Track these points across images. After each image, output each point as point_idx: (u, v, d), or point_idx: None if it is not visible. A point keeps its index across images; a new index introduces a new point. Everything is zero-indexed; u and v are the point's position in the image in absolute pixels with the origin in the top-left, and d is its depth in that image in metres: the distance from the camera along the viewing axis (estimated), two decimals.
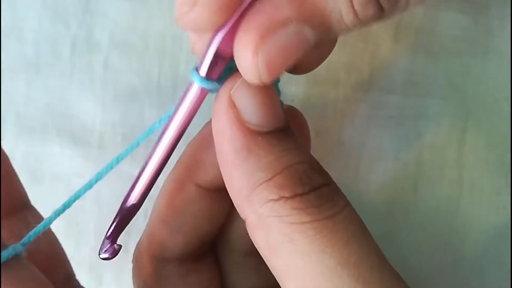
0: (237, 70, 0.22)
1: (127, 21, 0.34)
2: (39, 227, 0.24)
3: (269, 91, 0.22)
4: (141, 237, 0.28)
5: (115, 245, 0.24)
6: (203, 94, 0.22)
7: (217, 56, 0.21)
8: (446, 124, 0.32)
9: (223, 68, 0.22)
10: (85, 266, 0.34)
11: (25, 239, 0.23)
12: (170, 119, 0.23)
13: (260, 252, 0.22)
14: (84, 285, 0.29)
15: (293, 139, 0.23)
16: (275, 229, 0.21)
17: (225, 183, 0.23)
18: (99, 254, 0.24)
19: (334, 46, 0.25)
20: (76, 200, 0.25)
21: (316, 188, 0.21)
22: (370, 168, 0.33)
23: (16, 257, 0.22)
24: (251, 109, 0.22)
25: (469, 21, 0.31)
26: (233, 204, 0.23)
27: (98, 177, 0.25)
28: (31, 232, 0.24)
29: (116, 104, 0.34)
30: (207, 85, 0.22)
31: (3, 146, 0.31)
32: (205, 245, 0.29)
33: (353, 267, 0.20)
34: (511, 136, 0.32)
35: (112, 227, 0.24)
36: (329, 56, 0.32)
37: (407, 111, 0.32)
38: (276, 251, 0.21)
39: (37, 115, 0.34)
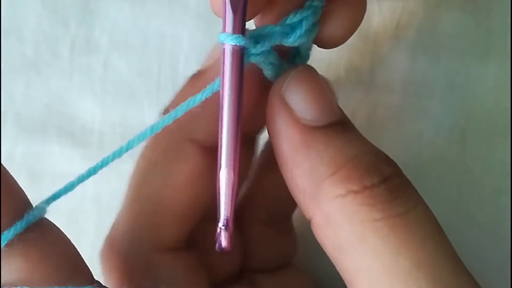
0: (280, 67, 0.22)
1: (127, 21, 0.34)
2: (61, 190, 0.23)
3: (321, 85, 0.22)
4: (119, 224, 0.26)
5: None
6: (239, 53, 0.21)
7: (236, 5, 0.20)
8: (446, 124, 0.32)
9: (245, 19, 0.21)
10: None
11: (48, 199, 0.22)
12: (221, 98, 0.21)
13: (327, 253, 0.21)
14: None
15: (353, 130, 0.22)
16: (344, 228, 0.20)
17: (287, 185, 0.22)
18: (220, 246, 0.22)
19: (363, 12, 0.23)
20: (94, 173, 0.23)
21: (386, 179, 0.20)
22: None
23: (44, 219, 0.21)
24: (304, 106, 0.21)
25: (469, 21, 0.31)
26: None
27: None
28: (54, 193, 0.23)
29: (115, 104, 0.34)
30: (239, 41, 0.20)
31: (2, 146, 0.31)
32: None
33: (428, 270, 0.19)
34: (511, 136, 0.32)
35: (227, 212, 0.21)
36: (329, 56, 0.32)
37: (407, 111, 0.32)
38: (345, 251, 0.20)
39: (37, 115, 0.34)
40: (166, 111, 0.23)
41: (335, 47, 0.24)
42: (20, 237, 0.20)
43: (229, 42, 0.20)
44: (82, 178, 0.24)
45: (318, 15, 0.22)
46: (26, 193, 0.27)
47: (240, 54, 0.21)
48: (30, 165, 0.34)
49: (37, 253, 0.20)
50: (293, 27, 0.22)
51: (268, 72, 0.23)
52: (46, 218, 0.22)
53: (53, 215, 0.36)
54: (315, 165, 0.20)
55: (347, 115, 0.32)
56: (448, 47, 0.32)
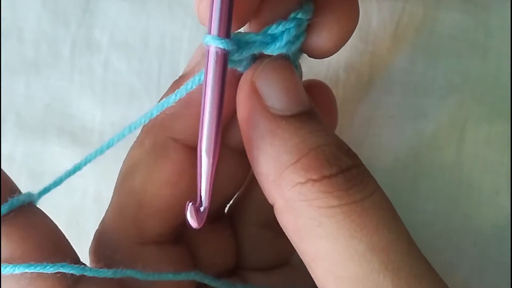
0: (258, 57, 0.23)
1: (127, 21, 0.34)
2: (57, 180, 0.25)
3: (291, 75, 0.22)
4: (106, 220, 0.27)
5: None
6: (223, 57, 0.21)
7: (223, 10, 0.21)
8: (445, 124, 0.32)
9: (230, 23, 0.21)
10: None
11: (42, 190, 0.24)
12: (204, 97, 0.21)
13: (288, 237, 0.22)
14: None
15: (318, 121, 0.22)
16: (303, 213, 0.21)
17: (253, 170, 0.22)
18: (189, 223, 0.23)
19: (354, 25, 0.24)
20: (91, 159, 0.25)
21: (344, 170, 0.21)
22: (370, 168, 0.33)
23: (29, 204, 0.23)
24: (274, 95, 0.22)
25: (469, 21, 0.31)
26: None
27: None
28: (50, 184, 0.24)
29: (115, 104, 0.34)
30: (224, 44, 0.21)
31: (3, 146, 0.31)
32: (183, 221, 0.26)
33: (382, 253, 0.20)
34: (510, 136, 0.32)
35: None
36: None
37: (406, 111, 0.32)
38: (304, 235, 0.21)
39: (37, 115, 0.34)
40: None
41: (325, 57, 0.24)
42: (3, 219, 0.22)
43: (214, 45, 0.21)
44: (68, 174, 0.25)
45: (302, 27, 0.23)
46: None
47: (224, 57, 0.21)
48: (30, 165, 0.34)
49: (19, 234, 0.22)
50: (274, 38, 0.23)
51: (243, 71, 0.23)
52: (33, 205, 0.23)
53: (54, 215, 0.36)
54: (279, 152, 0.21)
55: (347, 115, 0.32)
56: (447, 48, 0.32)
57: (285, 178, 0.21)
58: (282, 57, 0.23)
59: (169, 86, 0.26)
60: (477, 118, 0.32)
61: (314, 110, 0.23)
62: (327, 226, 0.20)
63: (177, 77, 0.28)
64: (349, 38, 0.24)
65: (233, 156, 0.26)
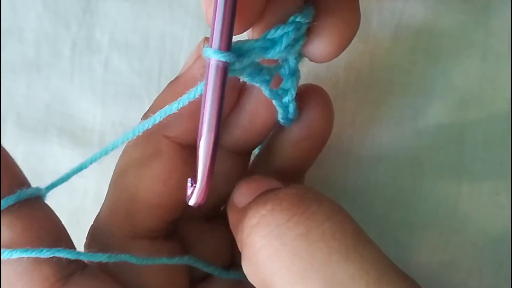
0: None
1: (128, 21, 0.34)
2: (65, 176, 0.26)
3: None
4: (100, 215, 0.27)
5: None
6: (223, 69, 0.21)
7: (225, 22, 0.21)
8: (445, 124, 0.32)
9: (232, 36, 0.21)
10: None
11: (50, 185, 0.25)
12: (203, 108, 0.22)
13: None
14: None
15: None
16: (259, 265, 0.21)
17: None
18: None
19: (355, 29, 0.24)
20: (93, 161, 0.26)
21: (281, 200, 0.21)
22: (370, 168, 0.33)
23: (37, 198, 0.24)
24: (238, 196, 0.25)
25: (468, 22, 0.31)
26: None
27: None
28: (58, 179, 0.25)
29: (116, 104, 0.34)
30: (225, 57, 0.21)
31: (3, 146, 0.31)
32: (176, 218, 0.27)
33: None
34: (510, 136, 0.32)
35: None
36: None
37: (406, 111, 0.32)
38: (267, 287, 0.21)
39: (38, 115, 0.34)
40: (145, 116, 0.26)
41: (326, 61, 0.24)
42: (8, 210, 0.23)
43: (215, 58, 0.21)
44: (74, 171, 0.26)
45: (302, 30, 0.23)
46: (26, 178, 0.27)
47: (225, 70, 0.21)
48: (31, 165, 0.34)
49: (21, 224, 0.23)
50: (273, 42, 0.23)
51: (246, 79, 0.24)
52: (40, 199, 0.24)
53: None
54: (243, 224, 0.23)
55: (347, 115, 0.32)
56: (447, 48, 0.32)
57: (243, 235, 0.22)
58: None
59: None
60: (477, 118, 0.32)
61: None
62: (280, 274, 0.20)
63: None
64: (350, 42, 0.24)
65: (229, 157, 0.27)
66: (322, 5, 0.23)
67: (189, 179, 0.23)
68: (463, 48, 0.32)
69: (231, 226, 0.25)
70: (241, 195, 0.24)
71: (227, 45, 0.21)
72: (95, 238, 0.27)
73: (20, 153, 0.34)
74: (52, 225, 0.24)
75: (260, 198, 0.22)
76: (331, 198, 0.22)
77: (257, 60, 0.23)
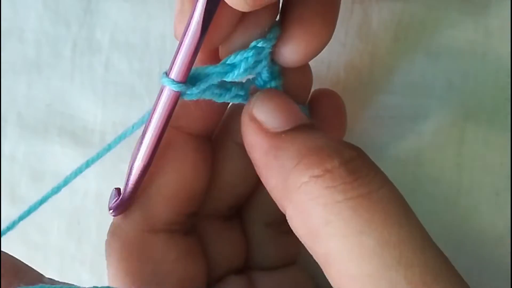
0: (245, 98, 0.25)
1: (128, 21, 0.34)
2: (25, 213, 0.25)
3: (281, 96, 0.24)
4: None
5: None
6: (175, 97, 0.23)
7: (187, 56, 0.22)
8: (445, 124, 0.32)
9: (190, 69, 0.23)
10: (87, 266, 0.34)
11: (9, 225, 0.25)
12: (147, 123, 0.23)
13: (302, 242, 0.22)
14: (85, 285, 0.29)
15: (318, 130, 0.23)
16: (310, 213, 0.20)
17: (267, 189, 0.23)
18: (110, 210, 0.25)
19: (323, 41, 0.25)
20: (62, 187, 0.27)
21: (347, 161, 0.21)
22: None
23: None
24: (269, 116, 0.23)
25: (468, 22, 0.31)
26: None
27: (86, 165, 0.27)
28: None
29: (116, 104, 0.34)
30: (178, 88, 0.22)
31: (5, 146, 0.31)
32: (193, 211, 0.27)
33: (393, 249, 0.19)
34: (511, 136, 0.32)
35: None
36: (329, 56, 0.32)
37: (406, 111, 0.32)
38: (314, 237, 0.21)
39: (38, 115, 0.34)
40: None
41: (294, 67, 0.25)
42: None
43: (170, 87, 0.22)
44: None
45: (263, 55, 0.24)
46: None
47: (176, 98, 0.23)
48: (32, 165, 0.34)
49: None
50: (233, 66, 0.24)
51: (214, 99, 0.25)
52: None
53: (55, 215, 0.36)
54: (283, 161, 0.22)
55: (347, 115, 0.32)
56: (447, 48, 0.32)
57: (290, 183, 0.21)
58: (271, 89, 0.25)
59: None
60: (477, 118, 0.32)
61: (313, 123, 0.23)
62: (335, 224, 0.20)
63: None
64: (318, 53, 0.24)
65: (244, 154, 0.26)
66: (296, 15, 0.24)
67: (114, 190, 0.24)
68: (463, 48, 0.32)
69: (248, 144, 0.24)
70: (275, 119, 0.23)
71: (184, 77, 0.22)
72: (116, 233, 0.26)
73: (21, 153, 0.35)
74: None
75: (323, 150, 0.21)
76: None
77: (218, 81, 0.24)
